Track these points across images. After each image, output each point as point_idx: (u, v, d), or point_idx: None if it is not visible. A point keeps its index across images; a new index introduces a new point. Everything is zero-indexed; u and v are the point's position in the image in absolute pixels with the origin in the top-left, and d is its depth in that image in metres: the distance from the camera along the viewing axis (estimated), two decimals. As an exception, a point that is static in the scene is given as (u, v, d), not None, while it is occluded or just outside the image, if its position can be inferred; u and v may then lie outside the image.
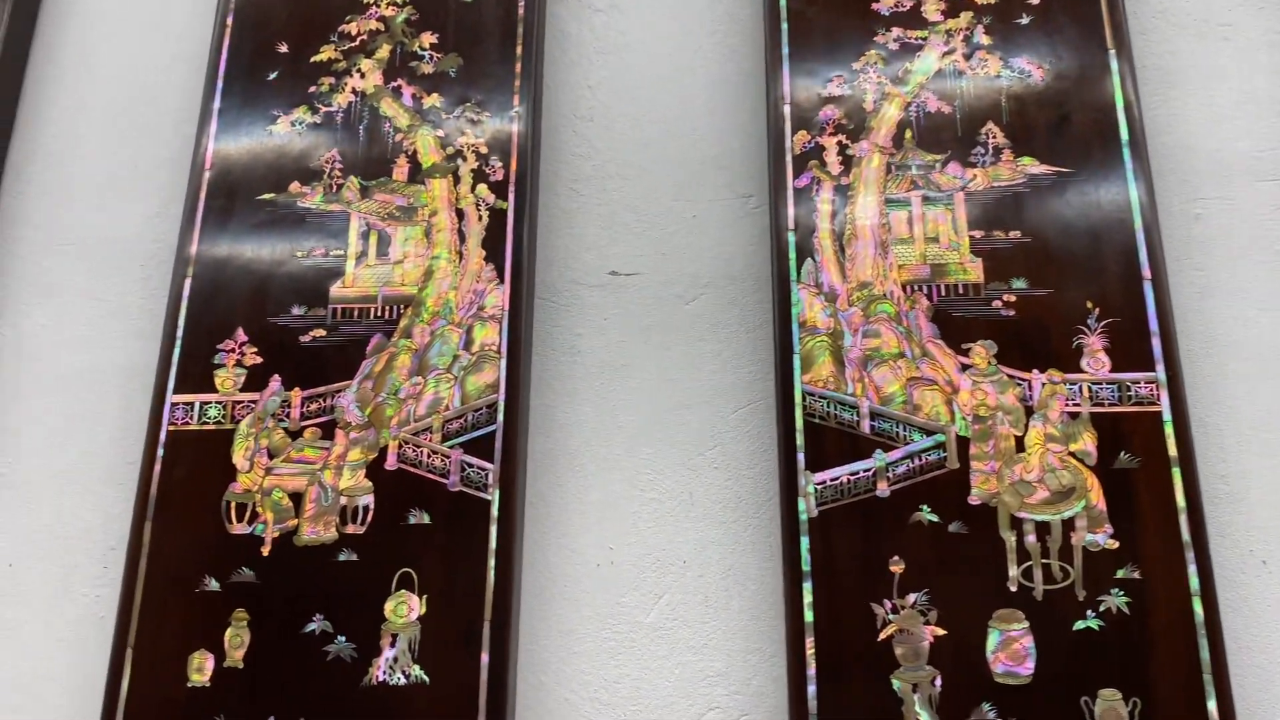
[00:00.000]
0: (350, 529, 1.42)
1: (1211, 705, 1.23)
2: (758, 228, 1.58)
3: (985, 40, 1.56)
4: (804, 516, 1.35)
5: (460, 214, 1.56)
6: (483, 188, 1.56)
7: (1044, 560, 1.32)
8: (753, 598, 1.41)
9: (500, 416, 1.44)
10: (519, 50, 1.63)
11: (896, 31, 1.58)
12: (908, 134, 1.52)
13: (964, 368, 1.40)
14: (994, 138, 1.50)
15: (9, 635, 1.49)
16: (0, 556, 1.54)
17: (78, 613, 1.50)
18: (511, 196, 1.55)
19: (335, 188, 1.59)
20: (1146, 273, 1.41)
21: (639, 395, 1.52)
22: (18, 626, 1.50)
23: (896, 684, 1.28)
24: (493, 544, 1.38)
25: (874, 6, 1.59)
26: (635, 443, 1.49)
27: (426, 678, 1.34)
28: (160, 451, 1.47)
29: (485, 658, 1.34)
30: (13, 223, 1.73)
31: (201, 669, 1.38)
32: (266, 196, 1.60)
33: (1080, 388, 1.37)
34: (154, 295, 1.64)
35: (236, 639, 1.38)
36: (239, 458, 1.46)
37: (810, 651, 1.30)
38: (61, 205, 1.73)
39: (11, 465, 1.58)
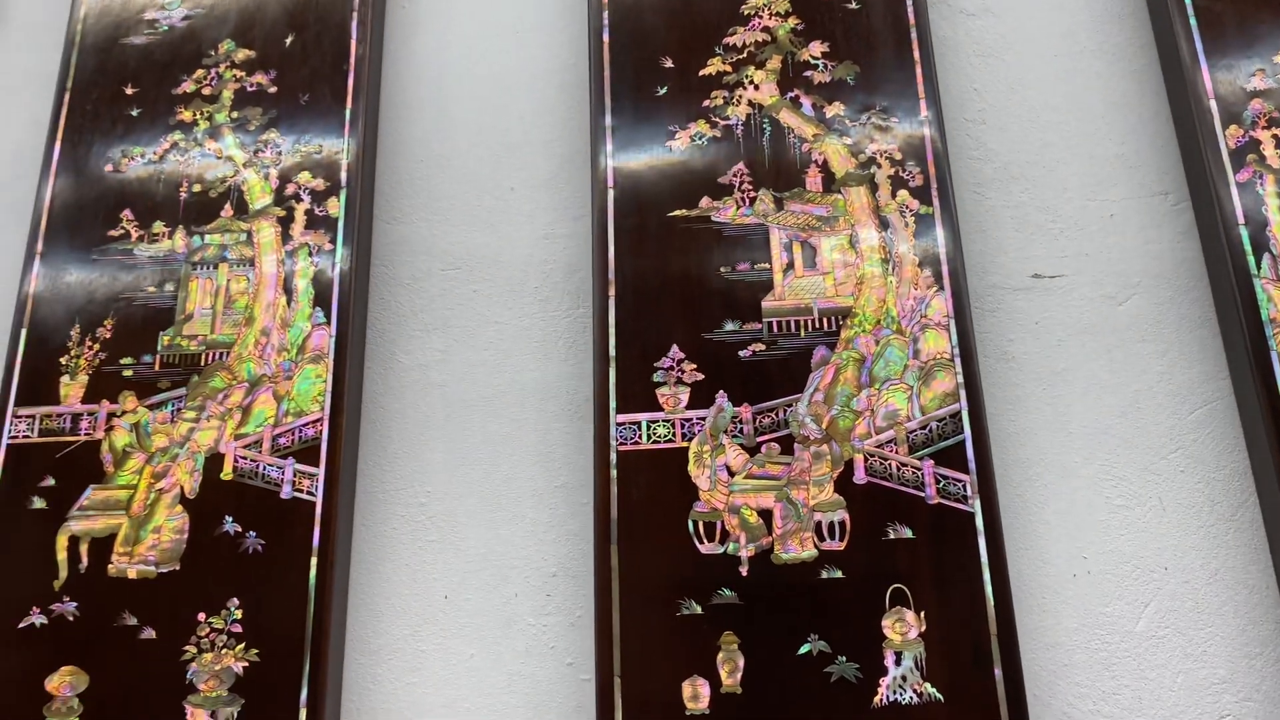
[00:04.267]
0: (828, 545, 1.38)
1: None
2: (1182, 224, 1.56)
3: None
4: (1313, 516, 1.32)
5: (884, 222, 1.53)
6: (904, 194, 1.54)
7: None
8: (1245, 602, 1.37)
9: (966, 425, 1.41)
10: (916, 54, 1.61)
11: (1314, 22, 1.56)
12: (1346, 124, 1.50)
13: None
14: None
15: (457, 669, 1.45)
16: (434, 589, 1.50)
17: (526, 644, 1.45)
18: (935, 200, 1.53)
19: (748, 200, 1.56)
20: None
21: (1086, 400, 1.48)
22: (464, 660, 1.46)
23: None
24: (983, 557, 1.35)
25: (1284, -3, 1.58)
26: (1091, 449, 1.46)
27: (940, 696, 1.30)
28: (614, 473, 1.43)
29: (998, 673, 1.30)
30: (392, 249, 1.70)
31: (697, 696, 1.33)
32: (678, 213, 1.57)
33: None
34: (555, 316, 1.61)
35: (729, 663, 1.34)
36: (698, 475, 1.42)
37: (1348, 654, 1.26)
38: (438, 230, 1.70)
39: (430, 494, 1.54)
